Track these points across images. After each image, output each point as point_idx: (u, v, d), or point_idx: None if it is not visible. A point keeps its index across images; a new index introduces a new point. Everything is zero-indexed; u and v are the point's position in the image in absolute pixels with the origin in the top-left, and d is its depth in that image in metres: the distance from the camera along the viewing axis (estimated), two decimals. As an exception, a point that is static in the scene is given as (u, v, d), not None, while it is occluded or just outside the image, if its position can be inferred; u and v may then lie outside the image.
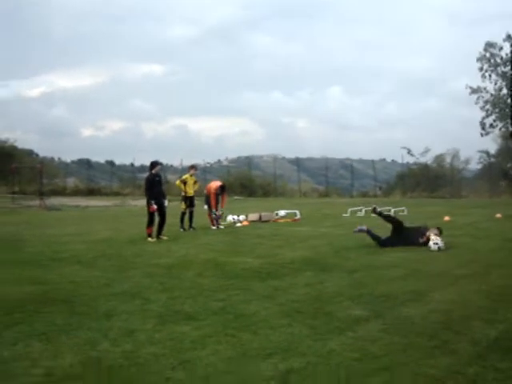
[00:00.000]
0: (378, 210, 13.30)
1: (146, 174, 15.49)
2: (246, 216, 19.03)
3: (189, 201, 16.51)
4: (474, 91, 44.07)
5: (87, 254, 11.33)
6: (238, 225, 17.72)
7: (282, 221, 19.12)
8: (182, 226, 16.15)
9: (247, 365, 4.67)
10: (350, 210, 21.85)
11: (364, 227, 12.54)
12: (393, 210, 21.00)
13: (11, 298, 7.25)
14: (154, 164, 14.41)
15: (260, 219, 18.95)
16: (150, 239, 13.60)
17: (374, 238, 12.11)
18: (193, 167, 17.57)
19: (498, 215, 20.14)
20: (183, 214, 16.40)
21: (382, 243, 11.83)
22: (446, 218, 18.56)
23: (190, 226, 16.50)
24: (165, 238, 13.93)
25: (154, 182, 14.10)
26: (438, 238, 11.39)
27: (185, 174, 17.64)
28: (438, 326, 5.75)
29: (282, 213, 20.41)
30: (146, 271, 9.19)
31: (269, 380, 4.31)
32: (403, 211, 21.64)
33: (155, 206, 13.82)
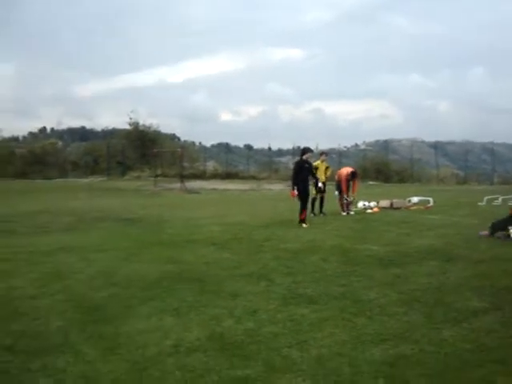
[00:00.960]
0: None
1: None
2: (377, 202, 18.99)
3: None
4: None
5: (221, 236, 11.94)
6: (369, 211, 17.75)
7: (413, 208, 18.86)
8: (312, 211, 16.43)
9: (360, 349, 4.91)
10: (486, 198, 21.13)
11: (485, 232, 11.86)
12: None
13: (149, 275, 7.95)
14: (305, 150, 14.70)
15: (391, 206, 18.80)
16: (303, 225, 13.76)
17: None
18: (323, 153, 17.72)
19: None
20: (314, 199, 16.67)
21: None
22: None
23: (321, 211, 16.78)
24: (305, 225, 13.80)
25: (302, 168, 14.26)
26: None
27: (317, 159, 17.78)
28: (558, 323, 5.67)
29: (414, 200, 20.11)
30: (273, 255, 9.61)
31: (379, 364, 4.55)
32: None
33: (296, 192, 14.06)
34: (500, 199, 21.06)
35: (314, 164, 16.95)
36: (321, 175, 16.72)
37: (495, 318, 5.86)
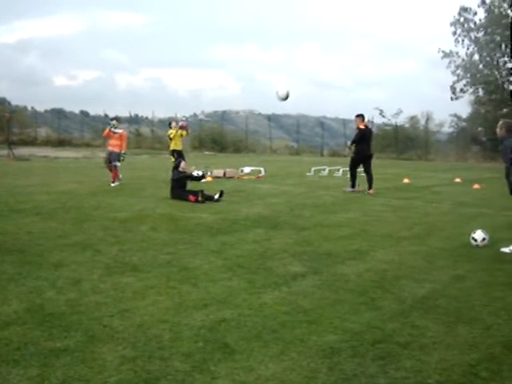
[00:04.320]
0: None
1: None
2: (211, 172, 19.22)
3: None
4: (446, 55, 43.94)
5: (48, 205, 11.46)
6: (202, 181, 17.90)
7: (246, 177, 19.36)
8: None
9: (182, 315, 4.97)
10: (313, 169, 22.18)
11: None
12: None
13: (-36, 247, 7.45)
14: (178, 164, 13.97)
15: (224, 175, 19.13)
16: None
17: None
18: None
19: (458, 179, 20.62)
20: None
21: None
22: (406, 181, 18.94)
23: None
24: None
25: (180, 178, 13.38)
26: None
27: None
28: (369, 284, 6.12)
29: (246, 169, 20.66)
30: (101, 224, 9.39)
31: (199, 329, 4.64)
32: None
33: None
34: (326, 170, 22.20)
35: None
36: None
37: (313, 281, 6.20)
